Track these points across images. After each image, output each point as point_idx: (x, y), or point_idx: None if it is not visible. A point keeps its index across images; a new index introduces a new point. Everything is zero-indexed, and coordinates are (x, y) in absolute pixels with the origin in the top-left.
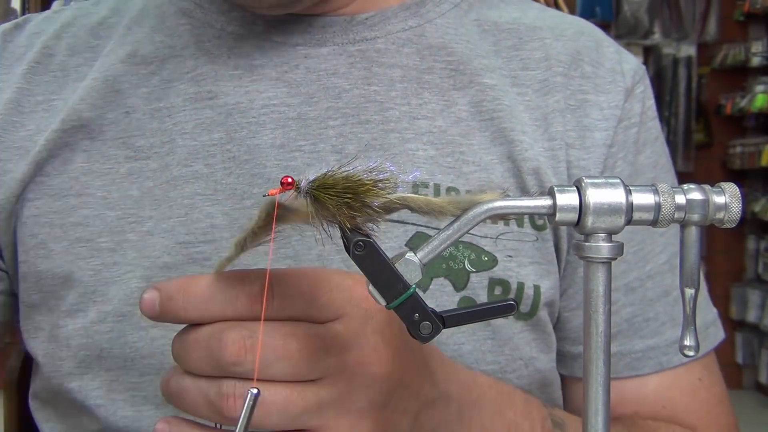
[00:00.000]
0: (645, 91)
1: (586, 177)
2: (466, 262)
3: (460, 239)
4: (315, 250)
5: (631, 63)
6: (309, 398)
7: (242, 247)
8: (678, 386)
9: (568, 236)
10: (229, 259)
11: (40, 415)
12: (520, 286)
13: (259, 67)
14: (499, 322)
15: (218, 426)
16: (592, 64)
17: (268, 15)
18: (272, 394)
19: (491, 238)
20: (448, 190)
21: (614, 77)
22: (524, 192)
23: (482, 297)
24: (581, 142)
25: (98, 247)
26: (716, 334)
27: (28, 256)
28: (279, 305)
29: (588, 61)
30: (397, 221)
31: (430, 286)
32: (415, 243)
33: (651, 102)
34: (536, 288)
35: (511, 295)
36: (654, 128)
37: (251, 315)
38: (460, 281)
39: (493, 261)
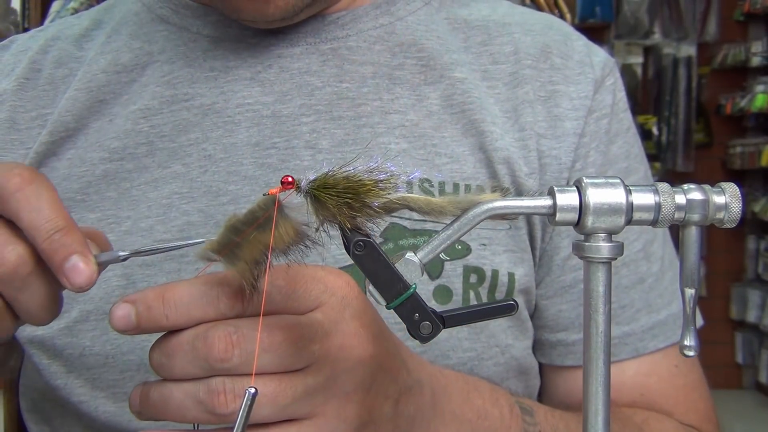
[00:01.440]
0: (615, 83)
1: (586, 177)
2: None
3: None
4: (314, 251)
5: (600, 56)
6: (297, 387)
7: (236, 231)
8: (655, 373)
9: (542, 225)
10: (219, 242)
11: (30, 416)
12: (495, 274)
13: (233, 68)
14: None
15: (196, 427)
16: (561, 57)
17: (262, 27)
18: (261, 387)
19: None
20: (422, 182)
21: (583, 69)
22: (496, 181)
23: (457, 284)
24: (552, 132)
25: None
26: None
27: None
28: (258, 301)
29: (557, 53)
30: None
31: None
32: (389, 234)
33: (622, 94)
34: (510, 275)
35: (486, 283)
36: (626, 119)
37: (233, 313)
38: (434, 270)
39: (467, 249)
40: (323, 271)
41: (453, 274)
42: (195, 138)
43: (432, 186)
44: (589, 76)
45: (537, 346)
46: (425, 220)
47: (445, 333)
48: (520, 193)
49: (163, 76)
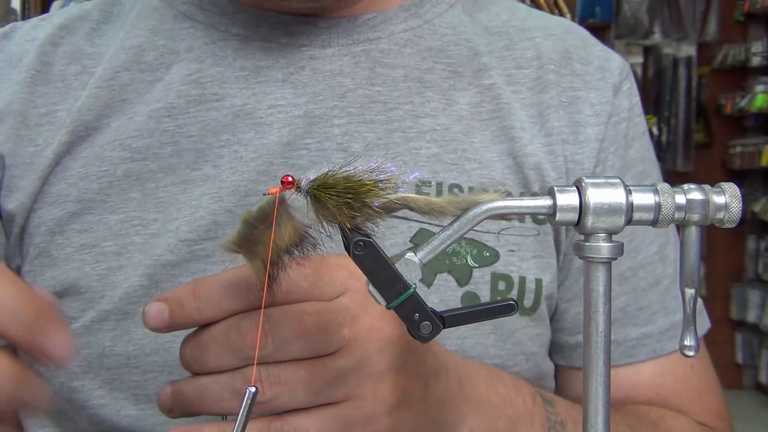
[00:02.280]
0: (631, 87)
1: (586, 177)
2: (468, 258)
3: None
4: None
5: (617, 61)
6: (330, 370)
7: (250, 226)
8: (671, 374)
9: (567, 229)
10: (238, 236)
11: (32, 420)
12: (522, 281)
13: (265, 68)
14: None
15: (224, 418)
16: (581, 62)
17: (296, 8)
18: (295, 372)
19: (494, 233)
20: (451, 187)
21: (603, 74)
22: (527, 187)
23: (485, 292)
24: (574, 138)
25: (103, 251)
26: (703, 322)
27: (33, 265)
28: (283, 291)
29: (577, 59)
30: (402, 218)
31: (434, 282)
32: (419, 240)
33: (637, 98)
34: (538, 282)
35: (514, 290)
36: (641, 123)
37: (264, 304)
38: (463, 276)
39: (495, 256)
40: (347, 258)
41: (481, 281)
42: (226, 140)
43: (462, 191)
44: (609, 82)
45: (556, 348)
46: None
47: (472, 340)
48: None
49: (189, 74)
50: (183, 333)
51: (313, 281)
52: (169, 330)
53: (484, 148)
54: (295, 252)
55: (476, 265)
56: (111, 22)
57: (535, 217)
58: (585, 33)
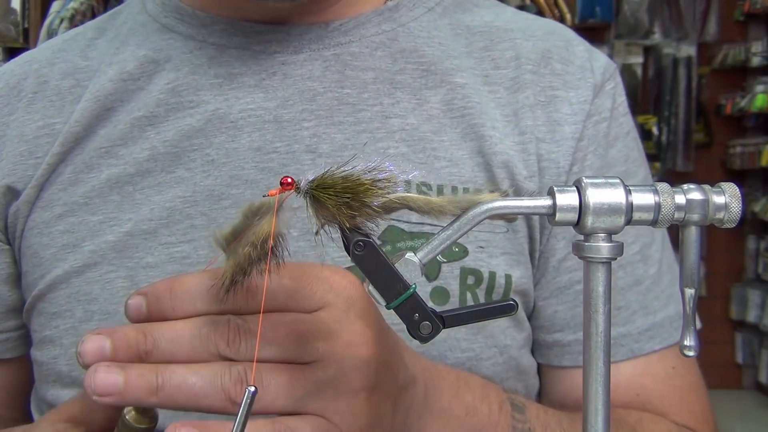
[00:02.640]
0: (616, 87)
1: (586, 177)
2: None
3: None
4: (315, 249)
5: (601, 61)
6: (309, 379)
7: (246, 221)
8: (651, 374)
9: (541, 227)
10: (234, 228)
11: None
12: (492, 275)
13: (238, 75)
14: None
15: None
16: (562, 62)
17: (273, 8)
18: (275, 376)
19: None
20: (419, 186)
21: (583, 74)
22: (495, 185)
23: (454, 286)
24: (551, 136)
25: (82, 250)
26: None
27: (28, 266)
28: (260, 299)
29: (557, 59)
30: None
31: None
32: (387, 237)
33: (622, 98)
34: (507, 277)
35: (483, 284)
36: (626, 123)
37: (237, 309)
38: (432, 271)
39: (464, 252)
40: (328, 271)
41: (450, 275)
42: (199, 143)
43: (430, 189)
44: (589, 81)
45: (535, 347)
46: (423, 223)
47: (443, 333)
48: (519, 195)
49: (168, 83)
50: None
51: (291, 293)
52: (146, 322)
53: (454, 146)
54: (265, 254)
55: (444, 260)
56: (103, 37)
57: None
58: (570, 34)
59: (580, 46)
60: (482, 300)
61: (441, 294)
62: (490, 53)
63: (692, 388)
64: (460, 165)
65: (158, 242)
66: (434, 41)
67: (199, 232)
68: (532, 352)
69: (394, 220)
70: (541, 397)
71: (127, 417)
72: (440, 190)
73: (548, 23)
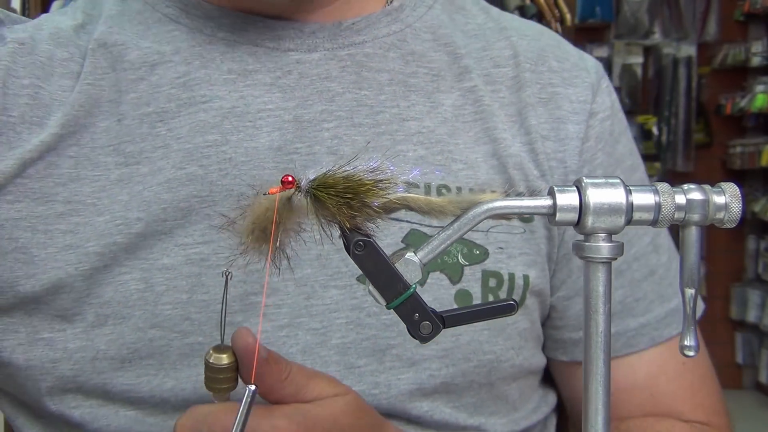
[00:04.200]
0: (609, 85)
1: (586, 177)
2: (459, 256)
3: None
4: (314, 250)
5: (591, 61)
6: None
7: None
8: (663, 374)
9: (562, 228)
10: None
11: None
12: (511, 277)
13: (253, 72)
14: None
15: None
16: (557, 60)
17: (278, 3)
18: None
19: (482, 231)
20: (439, 188)
21: (579, 72)
22: (512, 187)
23: (476, 289)
24: (555, 134)
25: (86, 251)
26: (698, 306)
27: (5, 259)
28: None
29: (553, 57)
30: (393, 218)
31: (428, 280)
32: (410, 240)
33: (615, 95)
34: (525, 277)
35: (504, 286)
36: (622, 119)
37: None
38: (455, 274)
39: (485, 254)
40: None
41: (473, 278)
42: (213, 140)
43: (449, 191)
44: (586, 80)
45: (558, 345)
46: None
47: (467, 336)
48: (534, 195)
49: (178, 77)
50: (177, 331)
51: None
52: None
53: (469, 149)
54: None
55: (467, 263)
56: (95, 23)
57: (521, 216)
58: (558, 36)
59: (570, 46)
60: None
61: (465, 297)
62: (488, 53)
63: (703, 382)
64: (475, 167)
65: (175, 243)
66: (440, 42)
67: (218, 233)
68: (556, 350)
69: (416, 224)
70: (561, 394)
71: (210, 360)
72: (458, 193)
73: (535, 24)
